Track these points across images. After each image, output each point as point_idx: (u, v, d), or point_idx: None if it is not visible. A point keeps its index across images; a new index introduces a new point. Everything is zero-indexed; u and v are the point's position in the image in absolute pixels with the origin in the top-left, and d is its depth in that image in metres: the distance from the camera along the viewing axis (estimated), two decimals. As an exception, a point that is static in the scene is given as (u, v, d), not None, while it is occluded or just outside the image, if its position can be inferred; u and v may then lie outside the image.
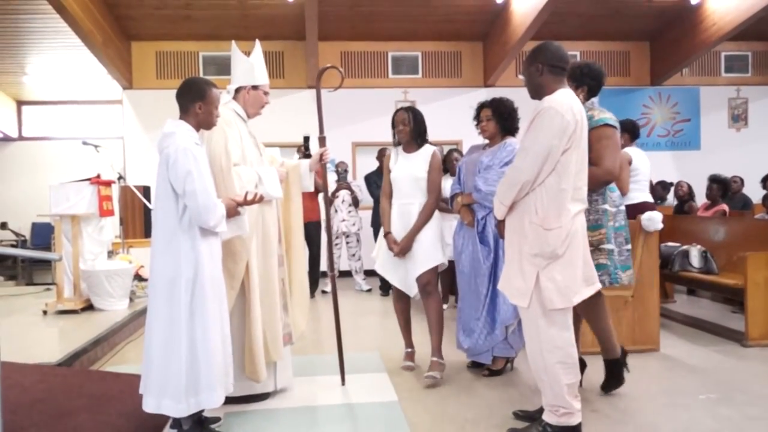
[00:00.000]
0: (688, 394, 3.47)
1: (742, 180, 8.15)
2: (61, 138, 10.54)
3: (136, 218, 7.40)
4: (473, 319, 3.76)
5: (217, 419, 3.03)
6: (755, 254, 4.54)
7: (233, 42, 3.49)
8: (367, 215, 7.53)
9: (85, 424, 2.87)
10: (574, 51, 9.23)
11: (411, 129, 3.85)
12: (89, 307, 5.55)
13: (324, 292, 7.40)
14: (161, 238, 2.70)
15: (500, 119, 3.80)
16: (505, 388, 3.63)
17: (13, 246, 9.53)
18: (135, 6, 7.96)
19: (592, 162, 2.98)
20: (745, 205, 7.64)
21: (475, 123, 3.95)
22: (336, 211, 7.29)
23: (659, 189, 8.13)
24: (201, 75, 8.65)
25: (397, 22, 8.67)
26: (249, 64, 3.35)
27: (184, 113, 2.80)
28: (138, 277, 6.26)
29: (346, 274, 7.74)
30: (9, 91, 10.29)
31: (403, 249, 3.79)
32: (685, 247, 5.35)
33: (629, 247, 3.45)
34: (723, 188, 6.60)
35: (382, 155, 7.29)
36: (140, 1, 7.84)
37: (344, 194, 7.34)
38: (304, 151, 6.37)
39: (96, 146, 6.13)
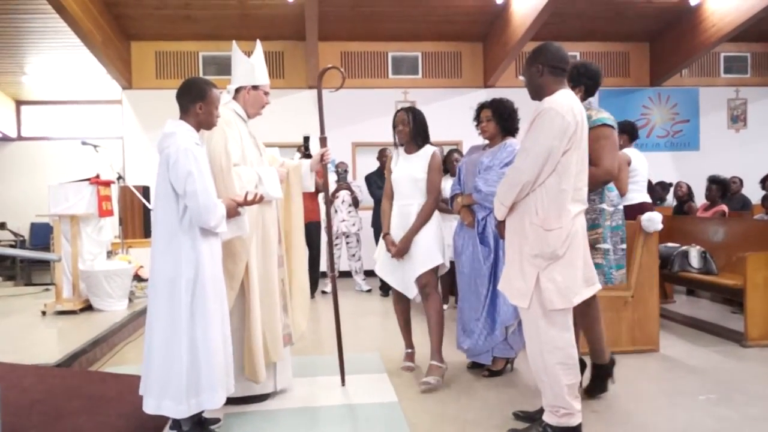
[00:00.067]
0: (687, 395, 3.47)
1: (741, 181, 8.16)
2: (61, 138, 10.54)
3: (136, 218, 7.39)
4: (473, 319, 3.75)
5: (216, 420, 3.02)
6: (755, 255, 4.54)
7: (234, 42, 3.48)
8: (366, 215, 7.52)
9: (85, 425, 2.87)
10: (574, 52, 9.24)
11: (411, 129, 3.83)
12: (88, 307, 5.54)
13: (324, 292, 7.40)
14: (161, 238, 2.70)
15: (500, 120, 3.79)
16: (505, 388, 3.63)
17: (11, 246, 9.52)
18: (134, 6, 7.95)
19: (591, 162, 2.97)
20: (744, 205, 7.64)
21: (475, 123, 3.94)
22: (336, 211, 7.29)
23: (659, 189, 8.15)
24: (201, 75, 8.65)
25: (397, 23, 8.67)
26: (249, 64, 3.34)
27: (185, 113, 2.80)
28: (137, 278, 6.26)
29: (346, 274, 7.74)
30: (8, 90, 10.28)
31: (400, 250, 3.77)
32: (684, 247, 5.36)
33: (624, 246, 3.45)
34: (722, 189, 6.62)
35: (382, 155, 7.29)
36: (140, 0, 7.83)
37: (344, 194, 7.33)
38: (304, 151, 6.36)
39: (95, 146, 6.13)
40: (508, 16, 8.25)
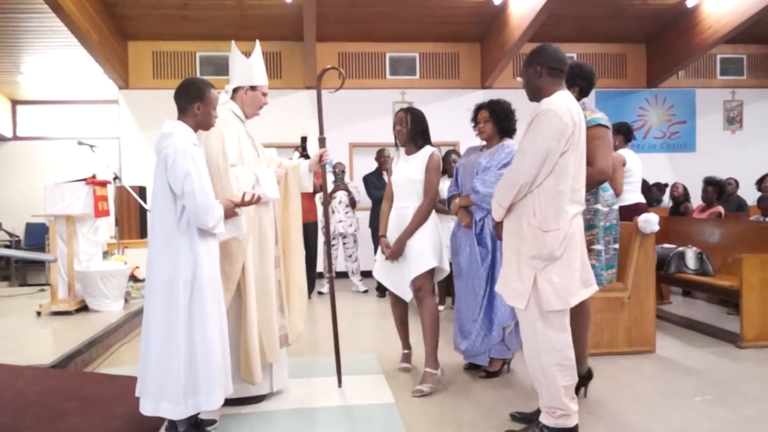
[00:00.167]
0: (683, 396, 3.48)
1: (736, 182, 8.18)
2: (57, 138, 10.51)
3: (132, 219, 7.36)
4: (470, 320, 3.75)
5: (213, 421, 3.01)
6: (750, 256, 4.56)
7: (233, 42, 3.48)
8: (364, 216, 7.52)
9: (80, 427, 2.86)
10: (571, 53, 9.25)
11: (409, 130, 3.75)
12: (84, 308, 5.52)
13: (320, 293, 7.39)
14: (159, 239, 2.69)
15: (497, 121, 3.78)
16: (502, 389, 3.63)
17: (6, 246, 9.49)
18: (132, 5, 7.93)
19: (586, 162, 2.98)
20: (740, 207, 7.67)
21: (473, 124, 3.94)
22: (333, 212, 7.28)
23: (655, 191, 8.16)
24: (198, 75, 8.64)
25: (395, 23, 8.67)
26: (247, 65, 3.34)
27: (183, 114, 2.79)
28: (133, 278, 6.24)
29: (343, 275, 7.73)
30: (4, 90, 10.25)
31: (394, 252, 3.70)
32: (680, 248, 5.37)
33: (617, 246, 3.46)
34: (718, 190, 6.63)
35: (380, 156, 7.29)
36: (137, 0, 7.81)
37: (341, 195, 7.33)
38: (302, 151, 6.37)
39: (92, 146, 6.11)
40: (505, 17, 8.26)
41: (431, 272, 3.72)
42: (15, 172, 10.35)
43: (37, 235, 9.84)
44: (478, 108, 3.90)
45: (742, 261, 4.52)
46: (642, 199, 5.58)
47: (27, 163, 10.37)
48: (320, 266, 7.60)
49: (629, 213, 4.81)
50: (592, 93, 3.60)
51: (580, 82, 3.34)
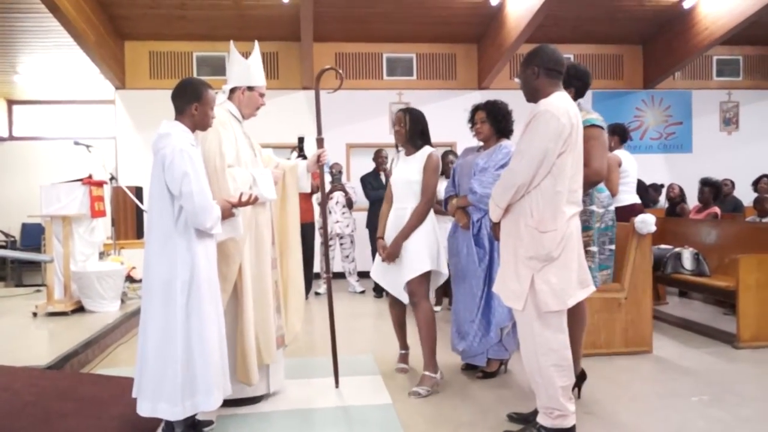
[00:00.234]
0: (680, 396, 3.48)
1: (733, 183, 8.21)
2: (53, 138, 10.48)
3: (128, 219, 7.35)
4: (468, 321, 3.74)
5: (210, 422, 3.01)
6: (747, 257, 4.57)
7: (231, 42, 3.47)
8: (360, 217, 7.52)
9: (76, 428, 2.85)
10: (568, 54, 9.27)
11: (407, 130, 3.72)
12: (80, 308, 5.50)
13: (317, 293, 7.39)
14: (156, 239, 2.68)
15: (495, 121, 3.78)
16: (500, 390, 3.63)
17: (2, 247, 9.46)
18: (128, 5, 7.92)
19: None
20: (736, 207, 7.69)
21: (470, 125, 3.94)
22: (330, 212, 7.28)
23: (651, 191, 8.18)
24: (195, 75, 8.62)
25: (392, 24, 8.68)
26: (245, 65, 3.33)
27: (180, 114, 2.78)
28: (130, 279, 6.23)
29: (339, 275, 7.72)
30: (0, 90, 10.21)
31: (390, 254, 3.66)
32: (677, 249, 5.38)
33: (612, 247, 3.46)
34: (715, 191, 6.65)
35: (378, 156, 7.29)
36: (134, 0, 7.80)
37: (338, 196, 7.33)
38: (299, 152, 6.36)
39: (88, 146, 6.09)
40: (502, 18, 8.27)
41: (427, 276, 3.67)
42: (11, 172, 10.31)
43: (32, 236, 9.81)
44: (475, 109, 3.90)
45: (739, 262, 4.53)
46: (637, 200, 5.61)
47: (23, 163, 10.33)
48: (317, 267, 7.58)
49: (625, 214, 4.82)
50: (589, 94, 3.61)
51: (576, 83, 3.34)
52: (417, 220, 3.63)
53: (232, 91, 3.36)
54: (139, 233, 6.78)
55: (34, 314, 5.40)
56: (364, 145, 8.95)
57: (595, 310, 4.12)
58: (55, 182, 5.80)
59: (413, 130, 3.72)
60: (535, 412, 2.85)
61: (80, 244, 5.69)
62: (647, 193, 7.77)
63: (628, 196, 5.45)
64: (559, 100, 2.68)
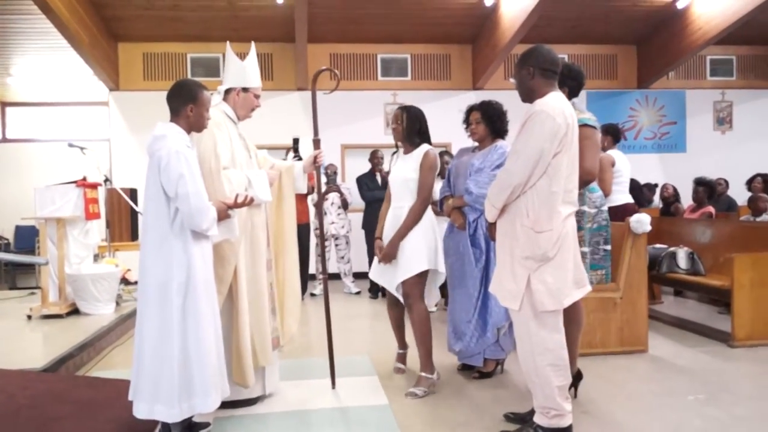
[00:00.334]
0: (676, 395, 3.49)
1: (726, 182, 8.24)
2: (47, 140, 10.42)
3: (123, 221, 7.31)
4: (464, 321, 3.74)
5: (206, 424, 3.00)
6: (741, 255, 4.59)
7: (227, 43, 3.46)
8: (356, 217, 7.52)
9: (73, 431, 2.83)
10: (563, 54, 9.26)
11: (404, 128, 3.69)
12: (75, 311, 5.48)
13: (313, 294, 7.38)
14: (152, 241, 2.67)
15: (489, 122, 3.78)
16: (496, 390, 3.64)
17: (-4, 249, 9.42)
18: (122, 7, 7.89)
19: None
20: (730, 207, 7.72)
21: (465, 126, 3.94)
22: (325, 213, 7.26)
23: (645, 191, 8.21)
24: (189, 77, 8.61)
25: (387, 25, 8.68)
26: (240, 66, 3.31)
27: (175, 116, 2.78)
28: (124, 281, 6.20)
29: (335, 276, 7.72)
30: (-7, 92, 10.18)
31: (387, 255, 3.64)
32: (672, 248, 5.41)
33: (608, 247, 3.47)
34: (709, 191, 6.68)
35: (374, 157, 7.28)
36: (128, 2, 7.77)
37: (333, 197, 7.32)
38: (294, 153, 6.35)
39: (82, 148, 6.06)
40: (497, 18, 8.28)
41: (422, 278, 3.63)
42: (4, 175, 10.26)
43: (26, 238, 9.76)
44: (470, 109, 3.89)
45: (733, 261, 4.55)
46: (630, 200, 5.65)
47: (16, 165, 10.28)
48: (312, 268, 7.58)
49: (618, 213, 4.84)
50: (583, 94, 3.62)
51: (570, 83, 3.35)
52: (413, 219, 3.60)
53: (227, 92, 3.35)
54: (134, 235, 6.74)
55: (29, 317, 5.38)
56: (359, 146, 8.95)
57: (590, 310, 4.12)
58: (49, 184, 5.77)
59: (411, 127, 3.69)
60: (532, 412, 2.85)
61: (75, 247, 5.66)
62: (641, 192, 7.80)
63: (621, 196, 5.49)
64: (555, 100, 2.69)
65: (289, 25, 7.97)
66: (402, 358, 4.06)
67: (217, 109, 3.23)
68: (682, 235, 5.88)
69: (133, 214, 6.68)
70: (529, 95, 2.78)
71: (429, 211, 3.69)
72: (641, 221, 4.35)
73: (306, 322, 5.85)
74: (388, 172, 4.35)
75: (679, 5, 8.39)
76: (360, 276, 7.69)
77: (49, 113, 10.68)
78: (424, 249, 3.59)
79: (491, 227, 2.90)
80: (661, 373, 3.98)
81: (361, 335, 5.39)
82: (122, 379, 3.36)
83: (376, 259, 3.84)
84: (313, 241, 7.31)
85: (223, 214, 2.85)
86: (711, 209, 6.62)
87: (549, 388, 2.68)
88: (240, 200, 2.87)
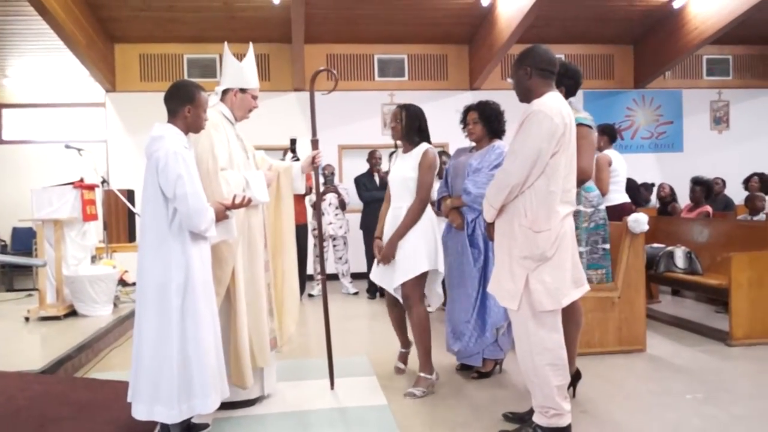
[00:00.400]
0: (674, 394, 3.50)
1: (723, 181, 8.27)
2: (43, 141, 10.38)
3: (120, 222, 7.30)
4: (463, 321, 3.74)
5: (205, 425, 2.99)
6: (739, 255, 4.60)
7: (225, 43, 3.45)
8: (354, 218, 7.51)
9: (71, 432, 2.83)
10: (559, 54, 9.24)
11: (403, 127, 3.65)
12: (72, 313, 5.47)
13: (311, 295, 7.38)
14: (150, 242, 2.66)
15: (487, 122, 3.78)
16: (495, 390, 3.64)
17: (-7, 251, 9.39)
18: (118, 8, 7.88)
19: None
20: (727, 206, 7.75)
21: (462, 126, 3.94)
22: (323, 214, 7.26)
23: (642, 191, 8.22)
24: (185, 78, 8.59)
25: (383, 25, 8.68)
26: (238, 67, 3.31)
27: (173, 117, 2.77)
28: (122, 282, 6.19)
29: (333, 277, 7.71)
30: (-11, 93, 10.14)
31: (385, 255, 3.61)
32: (669, 248, 5.42)
33: (606, 246, 3.46)
34: (706, 190, 6.69)
35: (372, 157, 7.28)
36: (124, 3, 7.76)
37: (331, 197, 7.32)
38: (292, 153, 6.35)
39: (79, 150, 6.04)
40: (493, 18, 8.29)
41: (421, 279, 3.60)
42: (1, 176, 10.21)
43: (23, 240, 9.72)
44: (467, 109, 3.89)
45: (731, 260, 4.56)
46: (627, 199, 5.67)
47: (13, 167, 10.23)
48: (310, 269, 7.58)
49: (615, 213, 4.86)
50: (580, 93, 3.63)
51: (567, 82, 3.35)
52: (412, 219, 3.57)
53: (225, 92, 3.34)
54: (131, 236, 6.74)
55: (26, 319, 5.37)
56: (356, 147, 8.95)
57: (588, 309, 4.12)
58: (46, 186, 5.77)
59: (410, 126, 3.65)
60: (531, 412, 2.85)
61: (72, 248, 5.65)
62: (639, 192, 7.82)
63: (618, 195, 5.52)
64: (552, 100, 2.69)
65: (286, 26, 7.97)
66: (404, 357, 4.03)
67: (215, 110, 3.22)
68: (679, 235, 5.89)
69: (131, 216, 6.67)
70: (526, 95, 2.79)
71: (429, 211, 3.65)
72: (639, 221, 4.36)
73: (304, 322, 5.85)
74: (386, 173, 4.35)
75: (675, 5, 8.41)
76: (358, 276, 7.70)
77: (46, 115, 10.63)
78: (423, 249, 3.56)
79: (490, 227, 2.90)
80: (659, 372, 3.99)
81: (359, 336, 5.39)
82: (121, 381, 3.35)
83: (377, 260, 3.82)
84: (310, 241, 7.30)
85: (221, 215, 2.85)
86: (708, 208, 6.64)
87: (548, 387, 2.68)
88: (238, 201, 2.87)
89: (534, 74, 2.75)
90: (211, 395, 2.68)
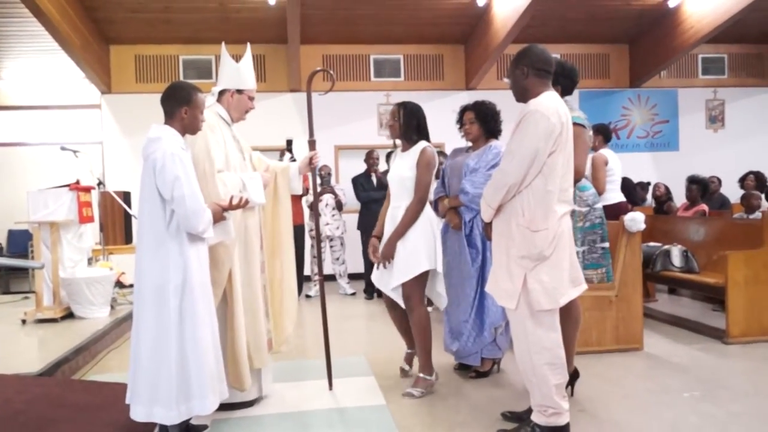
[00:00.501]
0: (671, 392, 3.51)
1: (719, 180, 8.29)
2: (39, 143, 10.35)
3: (117, 224, 7.27)
4: (461, 321, 3.74)
5: (204, 427, 2.99)
6: (735, 253, 4.62)
7: (222, 44, 3.45)
8: (351, 219, 7.51)
9: (69, 435, 2.82)
10: (555, 54, 9.10)
11: (401, 125, 3.61)
12: (69, 315, 5.45)
13: (308, 296, 7.37)
14: (148, 244, 2.66)
15: (483, 122, 3.79)
16: (493, 389, 3.64)
17: (-12, 254, 9.36)
18: (114, 9, 7.86)
19: None
20: (723, 204, 7.76)
21: (458, 126, 3.94)
22: (320, 214, 7.25)
23: (639, 190, 8.24)
24: (181, 79, 8.58)
25: (379, 25, 8.68)
26: (235, 68, 3.30)
27: (170, 118, 2.77)
28: (119, 284, 6.17)
29: (330, 278, 7.70)
30: (-16, 96, 10.10)
31: (384, 255, 3.56)
32: (666, 246, 5.43)
33: (605, 245, 3.47)
34: (702, 189, 6.71)
35: (369, 157, 7.28)
36: (119, 4, 7.74)
37: (328, 198, 7.32)
38: (289, 154, 6.35)
39: (75, 152, 6.04)
40: (489, 18, 8.30)
41: (422, 279, 3.55)
42: (-4, 179, 10.19)
43: (19, 243, 9.69)
44: (464, 109, 3.90)
45: (727, 258, 4.58)
46: (623, 198, 5.70)
47: (8, 169, 10.20)
48: (307, 269, 7.57)
49: (611, 212, 4.86)
50: (576, 93, 3.64)
51: (563, 81, 3.36)
52: (410, 218, 3.51)
53: (221, 93, 3.33)
54: (128, 238, 6.72)
55: (23, 321, 5.35)
56: (353, 147, 8.95)
57: (586, 308, 4.13)
58: (42, 188, 5.75)
59: (408, 124, 3.60)
60: (529, 411, 2.86)
61: (68, 250, 5.64)
62: (635, 191, 7.83)
63: (614, 195, 5.54)
64: (549, 99, 2.70)
65: (282, 27, 7.96)
66: (410, 358, 3.94)
67: (211, 111, 3.21)
68: (675, 233, 5.91)
69: (127, 218, 6.65)
70: (523, 95, 2.79)
71: (428, 210, 3.60)
72: (635, 220, 4.37)
73: (301, 323, 5.84)
74: (384, 173, 4.34)
75: (671, 4, 8.43)
76: (355, 277, 7.70)
77: (41, 116, 10.58)
78: (422, 249, 3.50)
79: (487, 227, 2.91)
80: (656, 370, 4.00)
81: (357, 336, 5.39)
82: (119, 383, 3.35)
83: (374, 260, 3.78)
84: (308, 242, 7.30)
85: (218, 216, 2.84)
86: (704, 207, 6.66)
87: (546, 386, 2.69)
88: (235, 202, 2.87)
89: (530, 74, 2.75)
90: (209, 396, 2.67)
